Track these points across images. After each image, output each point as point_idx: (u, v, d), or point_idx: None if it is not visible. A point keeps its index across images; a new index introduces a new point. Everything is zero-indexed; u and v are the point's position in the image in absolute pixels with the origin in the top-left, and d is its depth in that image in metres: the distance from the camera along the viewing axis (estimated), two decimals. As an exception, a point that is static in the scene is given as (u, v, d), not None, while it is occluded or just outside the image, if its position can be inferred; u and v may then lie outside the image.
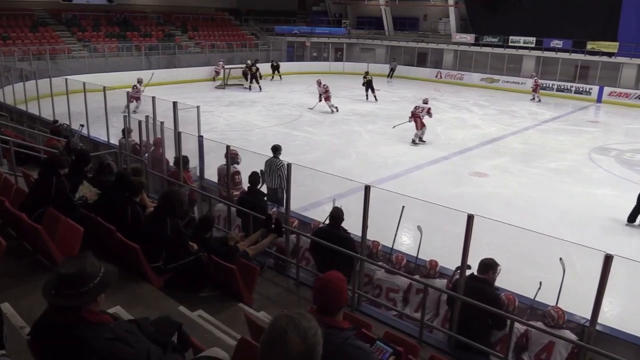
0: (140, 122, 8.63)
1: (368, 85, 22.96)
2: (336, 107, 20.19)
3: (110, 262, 2.40)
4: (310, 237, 5.97)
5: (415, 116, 15.58)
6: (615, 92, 25.77)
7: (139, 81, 19.10)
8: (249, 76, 25.43)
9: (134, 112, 14.58)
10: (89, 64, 24.35)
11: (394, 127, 16.54)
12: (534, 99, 24.76)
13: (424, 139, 15.65)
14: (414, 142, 15.46)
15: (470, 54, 31.31)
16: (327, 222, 5.99)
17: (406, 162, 13.64)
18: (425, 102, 15.98)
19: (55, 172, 5.24)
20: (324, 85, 20.25)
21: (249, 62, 26.04)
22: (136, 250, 4.55)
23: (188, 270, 4.86)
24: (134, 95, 16.96)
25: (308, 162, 11.13)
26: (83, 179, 5.78)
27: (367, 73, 23.64)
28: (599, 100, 26.00)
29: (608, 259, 3.69)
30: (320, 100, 20.20)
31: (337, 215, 5.72)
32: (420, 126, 15.52)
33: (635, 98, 25.10)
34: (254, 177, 7.16)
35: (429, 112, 15.61)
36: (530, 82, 25.71)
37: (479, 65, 30.89)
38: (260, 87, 25.24)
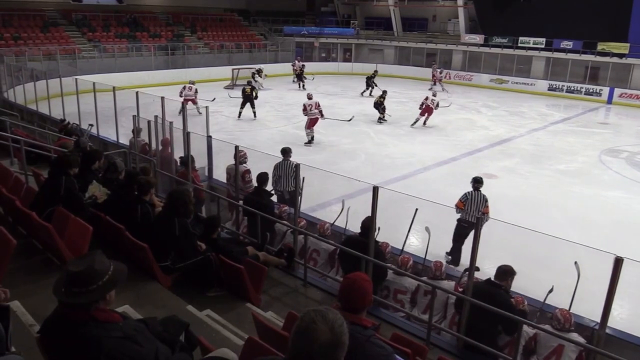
0: (149, 122, 8.68)
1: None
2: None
3: (119, 261, 2.40)
4: (332, 244, 6.12)
5: None
6: (626, 94, 25.55)
7: (192, 82, 18.99)
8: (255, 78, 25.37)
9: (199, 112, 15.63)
10: (98, 64, 24.49)
11: None
12: None
13: None
14: None
15: (480, 55, 31.18)
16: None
17: (415, 163, 13.60)
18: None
19: (64, 172, 5.28)
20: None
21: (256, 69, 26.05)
22: (145, 250, 4.57)
23: (196, 269, 4.88)
24: (188, 98, 17.23)
25: (316, 163, 11.14)
26: (93, 178, 5.81)
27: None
28: (610, 101, 25.79)
29: (618, 262, 3.66)
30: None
31: (368, 225, 5.45)
32: None
33: (646, 99, 24.89)
34: (262, 177, 7.18)
35: None
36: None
37: (488, 66, 30.76)
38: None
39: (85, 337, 2.16)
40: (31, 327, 3.37)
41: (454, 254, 7.79)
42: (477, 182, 7.82)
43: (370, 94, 23.91)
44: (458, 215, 7.79)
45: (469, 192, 7.80)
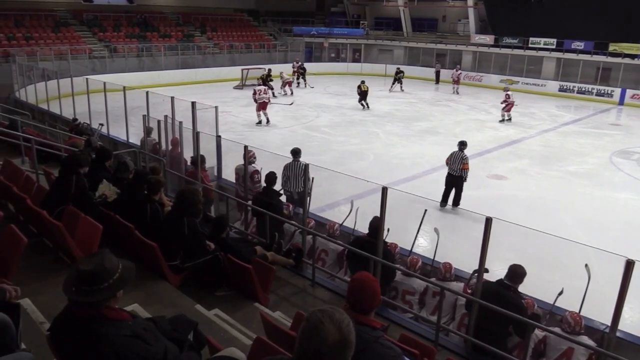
0: (159, 122, 8.72)
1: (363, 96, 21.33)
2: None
3: (128, 260, 2.42)
4: (340, 244, 6.14)
5: None
6: (638, 95, 25.28)
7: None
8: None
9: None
10: (109, 64, 24.68)
11: None
12: None
13: None
14: None
15: (490, 56, 31.02)
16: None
17: (423, 163, 13.56)
18: None
19: (75, 171, 5.31)
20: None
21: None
22: (154, 249, 4.59)
23: (205, 269, 4.90)
24: (286, 81, 23.74)
25: (325, 163, 11.12)
26: (103, 177, 5.85)
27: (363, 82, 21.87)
28: (621, 102, 25.55)
29: (629, 265, 3.62)
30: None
31: (376, 225, 5.41)
32: None
33: (659, 101, 24.62)
34: (270, 177, 7.19)
35: None
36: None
37: (498, 66, 30.61)
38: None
39: (95, 335, 2.17)
40: (41, 325, 3.40)
41: (443, 198, 10.28)
42: (462, 144, 10.39)
43: (401, 89, 26.84)
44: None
45: (453, 152, 10.33)
